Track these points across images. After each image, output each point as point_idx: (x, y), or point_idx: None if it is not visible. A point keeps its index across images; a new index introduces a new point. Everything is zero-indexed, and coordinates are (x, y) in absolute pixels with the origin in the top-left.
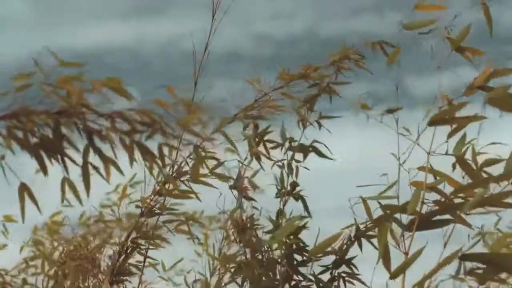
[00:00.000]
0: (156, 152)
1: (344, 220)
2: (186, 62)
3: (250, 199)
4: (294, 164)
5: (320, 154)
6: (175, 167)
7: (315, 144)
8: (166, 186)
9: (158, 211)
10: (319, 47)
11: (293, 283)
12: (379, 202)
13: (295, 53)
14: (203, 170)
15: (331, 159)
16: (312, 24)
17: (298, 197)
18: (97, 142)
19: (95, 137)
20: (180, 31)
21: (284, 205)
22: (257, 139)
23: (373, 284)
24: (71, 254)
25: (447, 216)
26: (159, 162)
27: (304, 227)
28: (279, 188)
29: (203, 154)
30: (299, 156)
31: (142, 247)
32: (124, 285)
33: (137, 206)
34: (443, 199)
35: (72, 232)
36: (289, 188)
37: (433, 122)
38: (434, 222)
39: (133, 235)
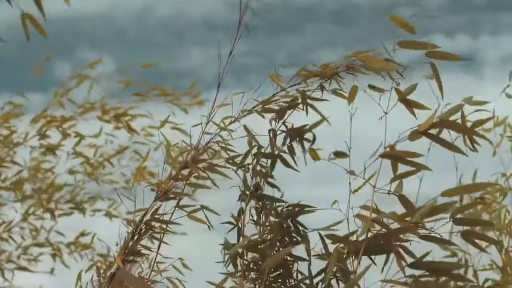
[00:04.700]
0: None
1: None
2: (161, 28)
3: None
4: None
5: (286, 164)
6: (192, 153)
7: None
8: (183, 172)
9: (173, 195)
10: (294, 14)
11: None
12: (319, 233)
13: (269, 20)
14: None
15: (297, 170)
16: None
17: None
18: None
19: None
20: None
21: (246, 205)
22: None
23: None
24: None
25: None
26: None
27: None
28: (242, 190)
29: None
30: None
31: (156, 230)
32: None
33: (152, 190)
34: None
35: None
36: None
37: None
38: (377, 248)
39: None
